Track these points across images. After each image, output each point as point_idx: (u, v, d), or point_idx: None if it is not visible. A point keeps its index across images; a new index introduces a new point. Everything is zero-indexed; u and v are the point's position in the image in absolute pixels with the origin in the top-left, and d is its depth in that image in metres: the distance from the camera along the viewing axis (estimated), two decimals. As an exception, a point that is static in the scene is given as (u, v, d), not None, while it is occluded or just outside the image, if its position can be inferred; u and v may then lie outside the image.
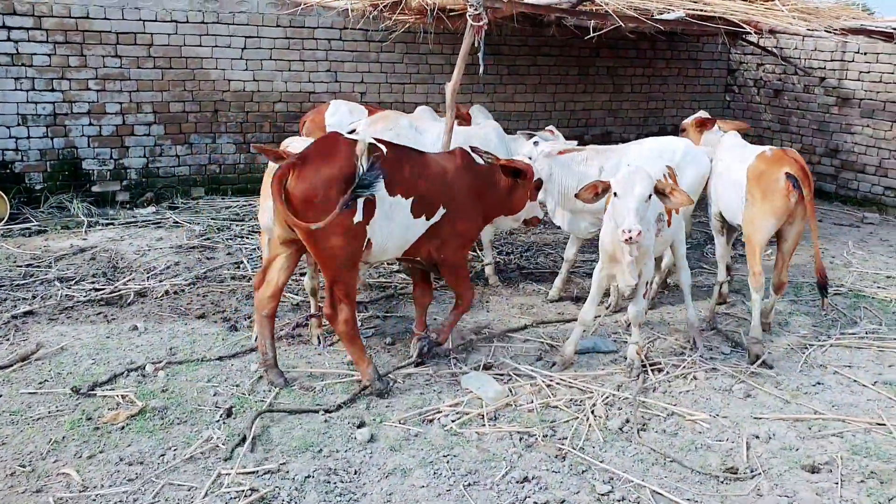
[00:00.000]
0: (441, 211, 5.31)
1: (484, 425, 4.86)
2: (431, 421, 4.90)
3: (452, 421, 4.89)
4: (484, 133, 7.38)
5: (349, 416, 4.88)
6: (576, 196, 5.37)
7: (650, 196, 5.10)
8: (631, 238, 4.91)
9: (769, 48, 12.65)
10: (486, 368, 5.65)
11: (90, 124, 9.31)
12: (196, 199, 10.00)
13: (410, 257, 5.48)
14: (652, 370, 5.71)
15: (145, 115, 9.62)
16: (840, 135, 12.11)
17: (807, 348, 6.25)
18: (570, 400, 5.25)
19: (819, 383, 5.65)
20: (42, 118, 9.06)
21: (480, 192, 5.57)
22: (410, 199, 5.08)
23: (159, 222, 9.12)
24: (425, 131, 7.40)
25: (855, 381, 5.69)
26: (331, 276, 4.96)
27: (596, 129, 13.05)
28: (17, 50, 8.80)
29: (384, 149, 5.01)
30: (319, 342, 5.95)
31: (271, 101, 10.29)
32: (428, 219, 5.24)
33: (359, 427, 4.72)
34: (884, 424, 5.04)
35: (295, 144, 6.16)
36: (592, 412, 5.09)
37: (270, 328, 5.24)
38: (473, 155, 5.58)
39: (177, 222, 9.09)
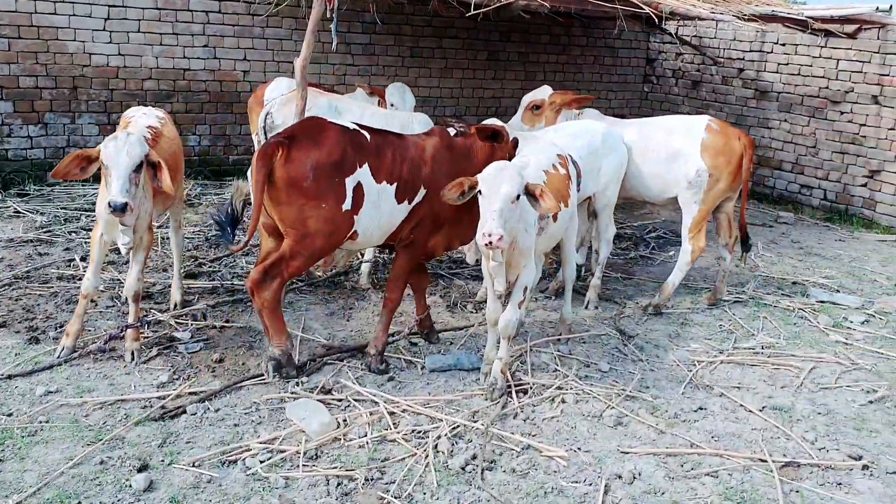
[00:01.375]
0: (422, 192, 5.04)
1: (298, 467, 4.08)
2: (235, 462, 4.09)
3: (262, 461, 4.09)
4: (407, 121, 6.61)
5: (133, 455, 4.04)
6: (441, 195, 4.61)
7: (518, 197, 4.38)
8: (491, 243, 4.18)
9: (686, 37, 12.10)
10: (325, 392, 4.87)
11: (-79, 99, 8.23)
12: (52, 185, 8.94)
13: (389, 243, 5.23)
14: (517, 392, 5.00)
15: (-11, 90, 8.56)
16: (757, 129, 11.61)
17: (694, 365, 5.63)
18: (414, 431, 4.50)
19: (701, 408, 5.02)
20: None
21: (461, 169, 5.05)
22: (394, 185, 4.90)
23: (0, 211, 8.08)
24: (346, 111, 6.58)
25: (741, 405, 5.07)
26: (295, 252, 4.70)
27: (507, 117, 12.22)
28: None
29: (367, 135, 4.84)
30: (133, 358, 5.08)
31: (140, 77, 9.28)
32: (410, 202, 5.02)
33: (139, 471, 3.88)
34: (765, 461, 4.41)
35: (139, 116, 5.48)
36: (435, 447, 4.35)
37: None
38: (450, 130, 5.28)
39: (18, 212, 8.05)
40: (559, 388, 5.13)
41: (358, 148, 4.74)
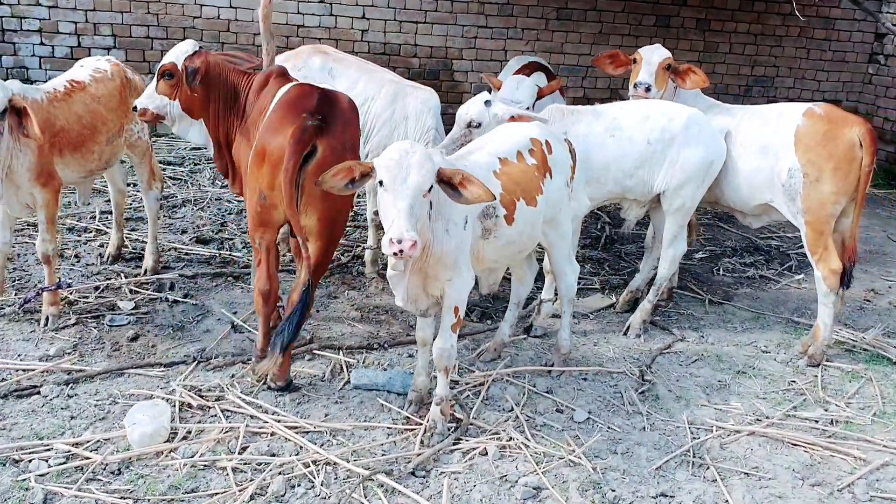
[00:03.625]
0: None
1: (80, 481, 3.41)
2: (19, 462, 3.51)
3: (50, 466, 3.48)
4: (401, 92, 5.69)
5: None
6: (316, 184, 3.60)
7: (430, 188, 3.32)
8: (402, 251, 3.15)
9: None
10: (199, 394, 4.15)
11: (41, 44, 8.56)
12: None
13: None
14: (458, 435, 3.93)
15: (103, 38, 8.72)
16: None
17: (709, 431, 4.17)
18: (260, 463, 3.64)
19: (665, 496, 3.63)
20: (-16, 34, 8.43)
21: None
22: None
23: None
24: (340, 76, 5.83)
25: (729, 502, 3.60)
26: (331, 253, 4.31)
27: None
28: (-40, -44, 8.17)
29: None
30: (48, 323, 4.71)
31: (251, 31, 9.01)
32: None
33: None
34: None
35: (75, 68, 5.18)
36: (262, 488, 3.47)
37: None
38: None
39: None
40: (494, 433, 3.99)
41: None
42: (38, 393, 4.05)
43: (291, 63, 5.72)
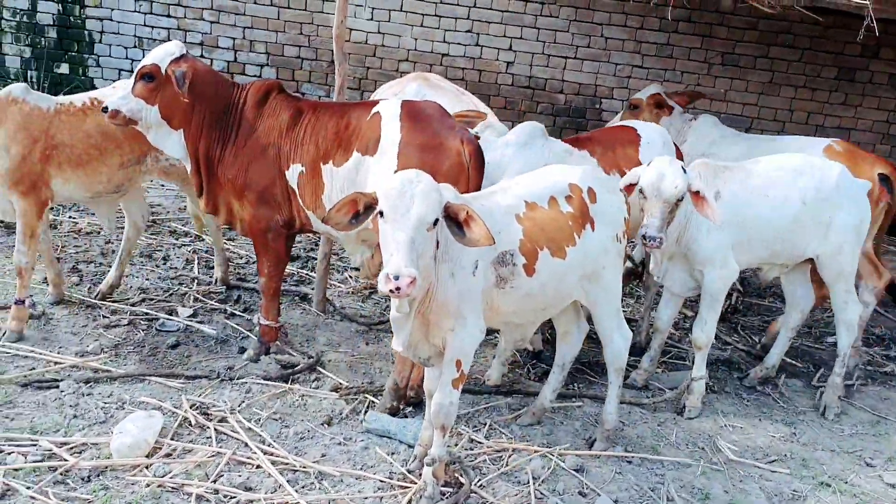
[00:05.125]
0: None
1: (56, 484, 3.36)
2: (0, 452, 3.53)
3: (26, 462, 3.47)
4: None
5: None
6: (323, 220, 3.33)
7: (436, 222, 3.02)
8: (399, 289, 2.89)
9: None
10: (203, 413, 4.03)
11: (202, 56, 9.05)
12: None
13: None
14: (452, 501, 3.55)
15: (257, 55, 9.08)
16: None
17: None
18: (228, 496, 3.44)
19: None
20: (156, 43, 9.00)
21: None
22: None
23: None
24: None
25: None
26: None
27: (858, 156, 9.44)
28: (138, -28, 8.84)
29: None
30: (6, 337, 4.51)
31: (396, 58, 9.05)
32: None
33: None
34: None
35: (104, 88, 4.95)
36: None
37: None
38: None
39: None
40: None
41: None
42: (57, 387, 4.09)
43: (393, 90, 5.62)
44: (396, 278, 2.84)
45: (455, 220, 3.10)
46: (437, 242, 3.18)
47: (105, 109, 4.12)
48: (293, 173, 4.23)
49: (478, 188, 3.97)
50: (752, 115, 9.28)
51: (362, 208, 3.17)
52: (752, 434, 4.49)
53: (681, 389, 4.67)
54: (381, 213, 3.02)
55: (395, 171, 3.74)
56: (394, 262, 2.90)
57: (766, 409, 4.82)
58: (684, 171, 4.03)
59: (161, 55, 4.14)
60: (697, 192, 4.00)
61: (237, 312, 5.20)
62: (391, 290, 2.85)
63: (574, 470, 3.89)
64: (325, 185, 4.16)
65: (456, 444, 3.98)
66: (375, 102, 4.25)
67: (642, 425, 4.44)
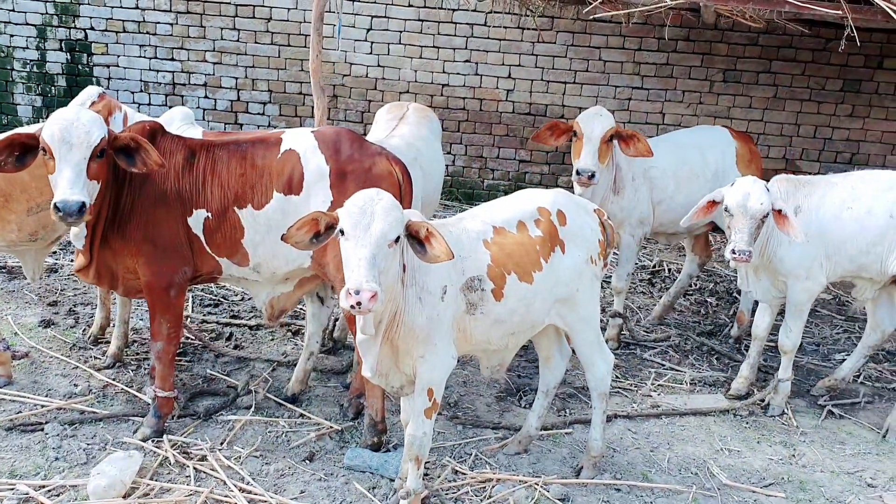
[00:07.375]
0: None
1: (17, 528, 3.37)
2: (-23, 498, 3.54)
3: (1, 507, 3.48)
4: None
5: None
6: (283, 238, 3.33)
7: (397, 238, 3.02)
8: (360, 304, 2.89)
9: None
10: (184, 453, 4.01)
11: (206, 97, 9.19)
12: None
13: None
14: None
15: (260, 93, 9.20)
16: None
17: None
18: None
19: None
20: (162, 86, 9.18)
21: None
22: None
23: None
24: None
25: None
26: None
27: (868, 167, 9.26)
28: (143, 18, 9.00)
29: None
30: None
31: (397, 90, 9.10)
32: None
33: None
34: None
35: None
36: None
37: None
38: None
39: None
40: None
41: None
42: (42, 430, 4.11)
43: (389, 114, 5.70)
44: (357, 293, 2.83)
45: (417, 238, 3.09)
46: (404, 266, 3.18)
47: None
48: (197, 220, 3.95)
49: (409, 206, 3.96)
50: (757, 132, 9.16)
51: (323, 228, 3.17)
52: (749, 457, 4.38)
53: (769, 389, 4.87)
54: (342, 232, 3.02)
55: (332, 203, 3.76)
56: (354, 277, 2.89)
57: (765, 430, 4.70)
58: (767, 190, 4.24)
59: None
60: (780, 211, 4.21)
61: (224, 351, 5.20)
62: (352, 306, 2.85)
63: (559, 499, 3.82)
64: (245, 229, 3.95)
65: (439, 476, 3.93)
66: (278, 136, 4.04)
67: (634, 451, 4.35)
